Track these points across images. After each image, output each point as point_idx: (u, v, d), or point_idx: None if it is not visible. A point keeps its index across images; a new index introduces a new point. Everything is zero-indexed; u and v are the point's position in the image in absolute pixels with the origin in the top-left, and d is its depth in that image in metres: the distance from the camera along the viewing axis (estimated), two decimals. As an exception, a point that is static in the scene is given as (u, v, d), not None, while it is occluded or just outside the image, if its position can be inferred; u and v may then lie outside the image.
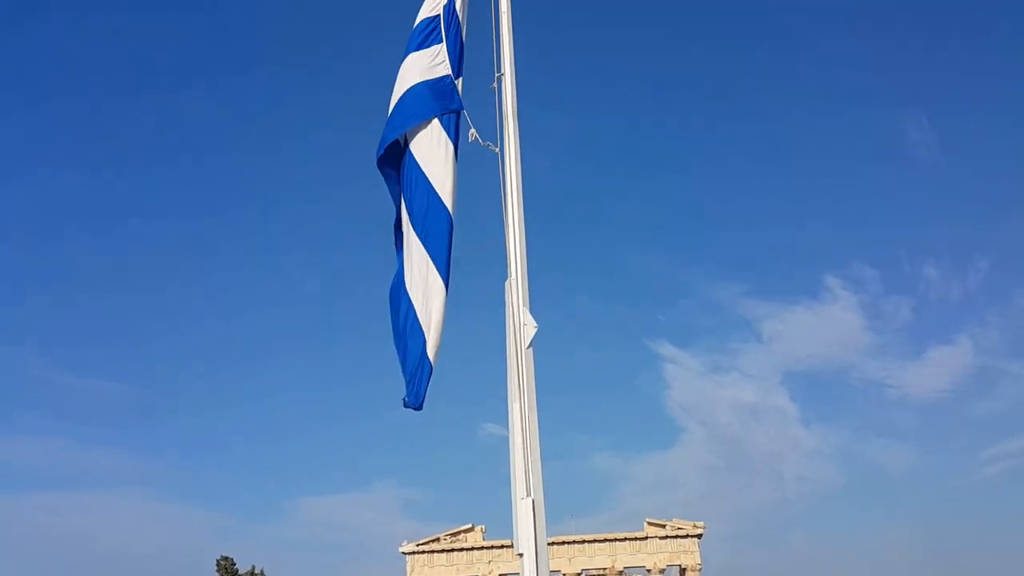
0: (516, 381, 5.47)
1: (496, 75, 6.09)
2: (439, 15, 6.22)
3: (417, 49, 6.19)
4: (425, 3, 6.35)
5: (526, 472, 5.31)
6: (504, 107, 6.02)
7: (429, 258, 5.85)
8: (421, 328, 5.81)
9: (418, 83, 6.08)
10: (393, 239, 6.23)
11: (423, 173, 5.96)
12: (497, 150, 5.94)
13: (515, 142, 5.93)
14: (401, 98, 6.11)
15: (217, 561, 58.29)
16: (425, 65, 6.13)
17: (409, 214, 5.99)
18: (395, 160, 6.11)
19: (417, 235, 5.92)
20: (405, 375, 5.82)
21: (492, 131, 6.01)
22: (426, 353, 5.76)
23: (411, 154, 6.02)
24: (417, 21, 6.30)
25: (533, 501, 5.27)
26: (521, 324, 5.55)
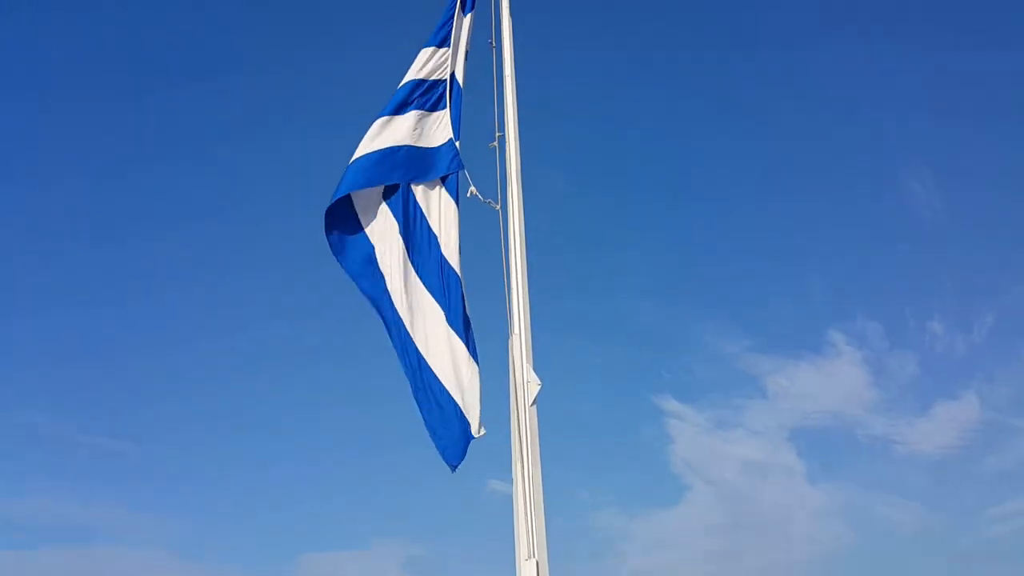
0: (519, 439, 5.43)
1: (497, 135, 6.17)
2: (444, 80, 6.30)
3: (414, 109, 6.23)
4: (419, 63, 6.37)
5: (529, 533, 5.23)
6: (507, 167, 6.09)
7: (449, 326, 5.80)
8: (448, 392, 5.70)
9: (417, 146, 6.13)
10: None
11: (433, 232, 6.00)
12: (498, 208, 6.00)
13: (518, 200, 5.99)
14: (393, 151, 6.12)
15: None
16: (428, 129, 6.21)
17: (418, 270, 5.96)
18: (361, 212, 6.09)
19: (430, 292, 5.90)
20: (441, 435, 5.66)
21: (491, 188, 6.07)
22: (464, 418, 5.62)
23: (421, 211, 6.05)
24: (408, 80, 6.33)
25: (537, 562, 5.18)
26: (524, 381, 5.53)
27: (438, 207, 6.07)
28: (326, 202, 5.99)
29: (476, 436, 5.55)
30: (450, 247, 5.95)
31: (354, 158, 6.09)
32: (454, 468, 5.57)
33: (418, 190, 6.11)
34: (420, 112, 6.24)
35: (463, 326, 5.79)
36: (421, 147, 6.16)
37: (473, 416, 5.60)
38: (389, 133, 6.15)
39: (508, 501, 5.40)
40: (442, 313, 5.84)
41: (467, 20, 6.57)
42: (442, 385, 5.72)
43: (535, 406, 5.52)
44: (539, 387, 5.53)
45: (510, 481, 5.44)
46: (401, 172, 6.10)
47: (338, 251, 6.01)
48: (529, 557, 5.18)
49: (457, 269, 5.89)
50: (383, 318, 5.92)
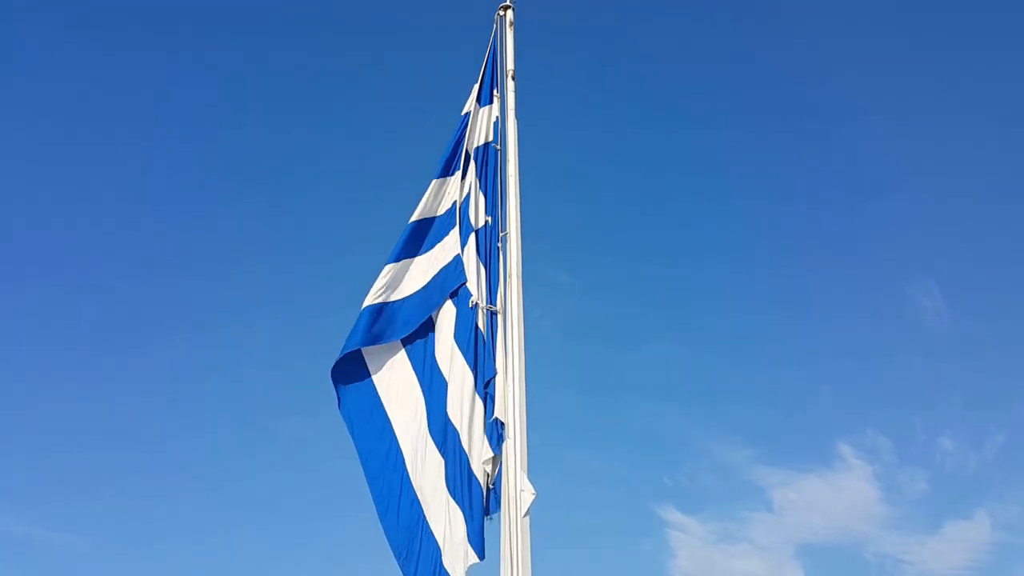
0: (511, 553, 5.19)
1: (500, 234, 6.12)
2: (454, 204, 6.20)
3: (431, 248, 6.14)
4: (431, 198, 6.25)
5: (518, 653, 4.95)
6: (509, 267, 6.01)
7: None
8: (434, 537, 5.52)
9: (431, 281, 6.05)
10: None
11: (440, 371, 5.86)
12: (497, 310, 5.90)
13: (518, 302, 5.88)
14: (412, 298, 6.03)
15: None
16: (438, 257, 6.09)
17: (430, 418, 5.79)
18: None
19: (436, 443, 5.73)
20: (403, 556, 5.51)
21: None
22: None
23: (432, 345, 5.94)
24: (421, 218, 6.22)
25: None
26: (518, 491, 5.32)
27: (443, 339, 5.91)
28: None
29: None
30: (453, 390, 5.76)
31: (365, 305, 5.94)
32: None
33: (436, 322, 5.98)
34: (431, 253, 6.13)
35: (466, 486, 5.55)
36: (431, 280, 6.04)
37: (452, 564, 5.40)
38: (405, 281, 6.05)
39: (496, 615, 5.14)
40: (445, 482, 5.62)
41: (485, 112, 6.51)
42: (424, 519, 5.55)
43: (528, 517, 5.31)
44: (533, 497, 5.33)
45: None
46: (416, 317, 5.99)
47: (342, 394, 5.93)
48: None
49: (456, 422, 5.68)
50: (366, 469, 5.77)
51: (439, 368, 5.85)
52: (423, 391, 5.84)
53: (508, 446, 5.49)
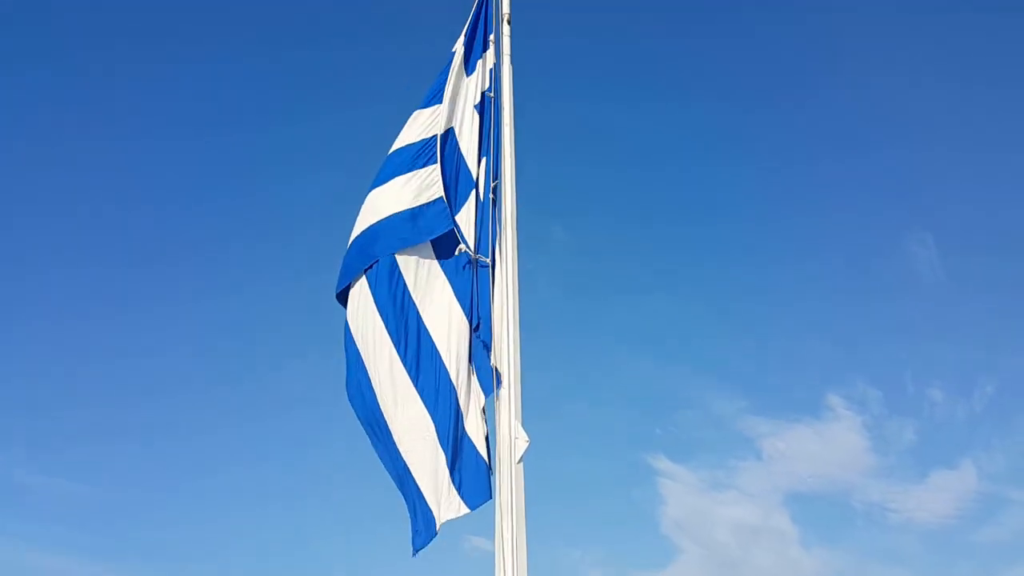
0: (505, 497, 5.29)
1: (492, 184, 6.06)
2: (435, 136, 6.07)
3: (403, 172, 6.02)
4: (410, 128, 6.17)
5: (511, 594, 5.07)
6: (503, 217, 5.98)
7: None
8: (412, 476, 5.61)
9: (404, 210, 5.92)
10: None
11: (418, 309, 5.83)
12: (488, 261, 5.85)
13: (512, 252, 5.87)
14: (380, 224, 5.94)
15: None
16: (414, 188, 5.95)
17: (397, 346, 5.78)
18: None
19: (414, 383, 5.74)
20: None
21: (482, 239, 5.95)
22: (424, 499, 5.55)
23: (403, 282, 5.87)
24: (400, 146, 6.14)
25: (517, 625, 5.01)
26: (512, 438, 5.40)
27: (426, 276, 5.87)
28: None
29: (437, 530, 5.47)
30: (437, 325, 5.76)
31: (352, 237, 5.93)
32: (415, 552, 5.52)
33: (403, 260, 5.89)
34: (408, 175, 5.99)
35: (451, 433, 5.57)
36: (406, 210, 5.91)
37: (440, 512, 5.48)
38: (380, 205, 5.97)
39: (489, 558, 5.25)
40: (431, 422, 5.65)
41: (471, 80, 6.31)
42: (416, 484, 5.59)
43: (522, 463, 5.39)
44: (527, 444, 5.40)
45: (492, 538, 5.29)
46: (383, 244, 5.89)
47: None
48: (510, 620, 5.01)
49: (444, 357, 5.69)
50: (355, 407, 5.83)
51: (421, 316, 5.81)
52: (389, 330, 5.80)
53: (502, 394, 5.55)
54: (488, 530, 5.34)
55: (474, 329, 5.69)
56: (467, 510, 5.46)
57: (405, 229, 5.87)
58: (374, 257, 5.88)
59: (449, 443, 5.55)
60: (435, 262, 5.90)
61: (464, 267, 5.80)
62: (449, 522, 5.47)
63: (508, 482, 5.30)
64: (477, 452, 5.51)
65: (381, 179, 6.06)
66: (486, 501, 5.45)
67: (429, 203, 5.91)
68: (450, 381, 5.64)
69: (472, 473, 5.50)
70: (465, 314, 5.73)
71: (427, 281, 5.87)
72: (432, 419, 5.63)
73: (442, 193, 5.90)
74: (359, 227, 5.98)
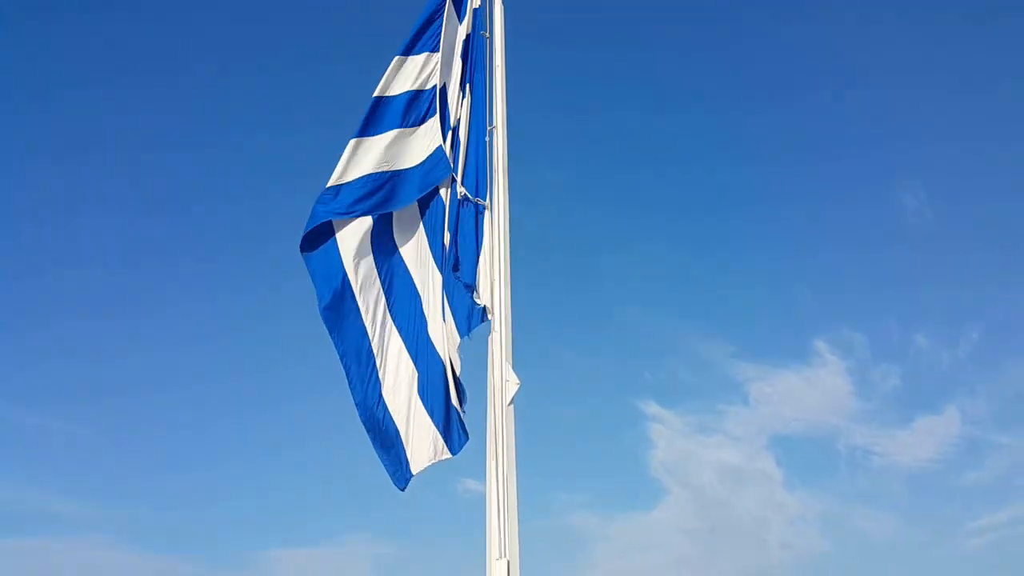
0: (495, 439, 5.36)
1: (488, 128, 6.04)
2: (434, 87, 5.98)
3: (399, 126, 5.93)
4: (398, 75, 6.00)
5: (501, 532, 5.17)
6: (495, 161, 5.97)
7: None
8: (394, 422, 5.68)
9: (401, 168, 5.87)
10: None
11: (402, 256, 5.88)
12: (485, 204, 5.89)
13: (504, 196, 5.89)
14: (376, 177, 5.85)
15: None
16: (412, 145, 5.91)
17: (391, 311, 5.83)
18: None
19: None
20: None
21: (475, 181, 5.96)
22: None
23: (399, 253, 5.92)
24: (390, 94, 5.99)
25: (508, 562, 5.13)
26: (503, 380, 5.46)
27: (407, 225, 5.89)
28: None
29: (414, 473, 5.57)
30: (416, 272, 5.81)
31: (331, 183, 5.76)
32: (403, 487, 5.61)
33: (398, 218, 5.90)
34: (403, 129, 5.91)
35: (441, 395, 5.62)
36: (404, 168, 5.87)
37: (415, 459, 5.58)
38: (372, 156, 5.85)
39: (482, 501, 5.34)
40: (415, 372, 5.72)
41: (462, 28, 6.22)
42: (396, 428, 5.64)
43: (512, 405, 5.45)
44: (518, 387, 5.47)
45: (484, 480, 5.38)
46: (383, 202, 5.84)
47: (312, 266, 5.78)
48: (500, 557, 5.12)
49: (424, 304, 5.76)
50: (339, 346, 5.72)
51: (403, 259, 5.87)
52: (381, 277, 5.84)
53: (493, 338, 5.60)
54: (481, 472, 5.43)
55: (453, 269, 5.71)
56: (449, 455, 5.57)
57: (410, 187, 5.87)
58: (374, 212, 5.83)
59: (429, 388, 5.64)
60: (416, 210, 5.91)
61: (462, 205, 5.82)
62: (443, 464, 5.57)
63: (499, 424, 5.37)
64: (452, 396, 5.58)
65: (373, 129, 5.92)
66: (465, 443, 5.57)
67: (430, 155, 5.89)
68: (427, 326, 5.72)
69: (452, 417, 5.59)
70: (436, 260, 5.79)
71: (408, 229, 5.91)
72: (415, 364, 5.71)
73: (441, 142, 5.88)
74: (349, 174, 5.81)
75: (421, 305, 5.82)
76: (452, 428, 5.61)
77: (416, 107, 5.96)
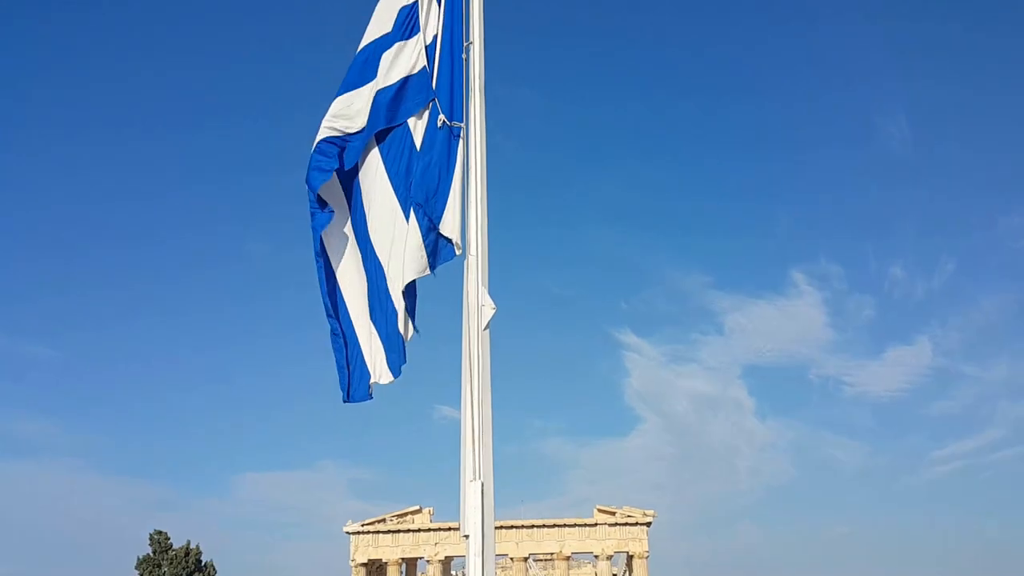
0: (470, 362, 5.39)
1: (465, 44, 5.90)
2: (416, 2, 5.87)
3: (388, 47, 5.84)
4: (374, 25, 5.92)
5: (475, 454, 5.24)
6: (471, 79, 5.84)
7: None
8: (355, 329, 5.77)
9: (393, 83, 5.79)
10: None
11: (389, 183, 5.78)
12: (462, 126, 5.79)
13: (480, 116, 5.78)
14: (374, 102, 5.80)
15: (150, 535, 57.34)
16: (404, 64, 5.82)
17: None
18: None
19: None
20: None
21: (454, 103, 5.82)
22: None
23: (358, 179, 5.85)
24: (366, 43, 5.92)
25: (482, 484, 5.20)
26: (479, 305, 5.46)
27: (371, 165, 5.82)
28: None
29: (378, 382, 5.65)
30: (372, 206, 5.77)
31: (318, 139, 5.74)
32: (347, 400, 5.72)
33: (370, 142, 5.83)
34: (393, 47, 5.85)
35: (386, 322, 5.68)
36: (387, 86, 5.79)
37: (376, 372, 5.67)
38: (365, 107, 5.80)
39: (458, 427, 5.39)
40: (367, 298, 5.78)
41: None
42: (356, 339, 5.74)
43: (488, 330, 5.47)
44: (494, 311, 5.48)
45: (460, 406, 5.41)
46: (365, 123, 5.80)
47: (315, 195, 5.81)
48: (474, 479, 5.19)
49: (374, 238, 5.74)
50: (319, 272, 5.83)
51: (361, 189, 5.85)
52: (352, 210, 5.87)
53: (469, 262, 5.58)
54: (457, 399, 5.46)
55: (420, 206, 5.63)
56: (391, 378, 5.65)
57: (384, 109, 5.76)
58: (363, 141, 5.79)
59: (378, 314, 5.71)
60: (375, 147, 5.82)
61: (435, 131, 5.71)
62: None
63: (475, 348, 5.39)
64: (400, 323, 5.63)
65: (354, 82, 5.85)
66: (402, 366, 5.64)
67: (414, 74, 5.80)
68: (378, 259, 5.72)
69: (396, 344, 5.64)
70: (396, 195, 5.72)
71: (368, 164, 5.84)
72: (368, 289, 5.76)
73: (426, 63, 5.79)
74: (339, 126, 5.76)
75: (368, 232, 5.77)
76: (395, 353, 5.66)
77: (393, 39, 5.86)
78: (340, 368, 5.77)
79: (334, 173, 5.77)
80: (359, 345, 5.77)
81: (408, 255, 5.58)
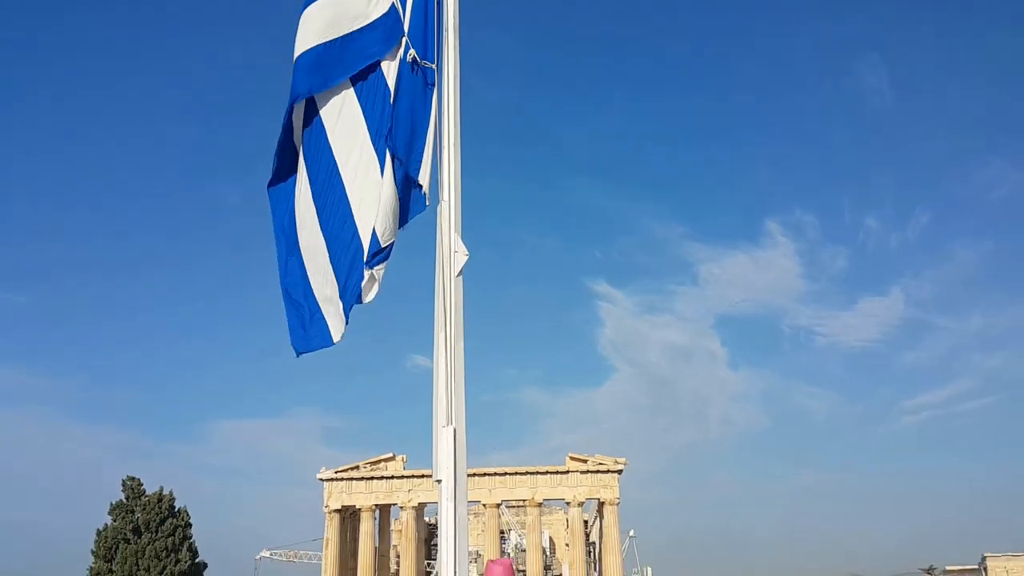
0: (443, 309, 5.36)
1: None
2: None
3: None
4: None
5: (448, 400, 5.23)
6: (445, 19, 5.69)
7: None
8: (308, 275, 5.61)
9: (363, 27, 5.58)
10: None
11: (363, 123, 5.58)
12: (434, 67, 5.64)
13: (454, 58, 5.66)
14: (342, 40, 5.59)
15: (123, 481, 57.54)
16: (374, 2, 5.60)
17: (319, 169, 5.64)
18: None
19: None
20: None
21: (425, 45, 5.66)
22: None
23: (320, 120, 5.61)
24: None
25: (455, 429, 5.21)
26: (451, 251, 5.41)
27: (340, 105, 5.59)
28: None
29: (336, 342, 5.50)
30: (342, 151, 5.57)
31: (298, 54, 5.50)
32: (299, 353, 5.60)
33: (321, 96, 5.60)
34: None
35: (344, 259, 5.52)
36: (352, 31, 5.57)
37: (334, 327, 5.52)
38: (329, 22, 5.56)
39: (430, 375, 5.36)
40: (324, 243, 5.58)
41: None
42: (314, 294, 5.58)
43: (461, 277, 5.43)
44: (467, 258, 5.43)
45: (433, 352, 5.39)
46: (340, 68, 5.57)
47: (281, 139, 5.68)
48: (447, 424, 5.19)
49: (347, 184, 5.54)
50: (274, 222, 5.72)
51: (327, 135, 5.62)
52: (304, 152, 5.68)
53: (442, 208, 5.51)
54: (429, 348, 5.42)
55: (397, 158, 5.47)
56: (337, 338, 5.51)
57: (359, 53, 5.56)
58: (330, 81, 5.54)
59: (342, 269, 5.52)
60: (350, 90, 5.61)
61: (410, 73, 5.52)
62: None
63: (448, 294, 5.35)
64: (365, 280, 5.46)
65: None
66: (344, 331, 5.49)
67: (382, 16, 5.57)
68: (349, 207, 5.54)
69: (346, 302, 5.49)
70: (372, 140, 5.53)
71: (340, 110, 5.60)
72: (326, 244, 5.56)
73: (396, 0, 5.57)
74: (308, 41, 5.51)
75: (341, 179, 5.58)
76: (348, 303, 5.52)
77: None
78: (308, 316, 5.60)
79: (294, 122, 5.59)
80: (312, 290, 5.60)
81: (382, 210, 5.40)
